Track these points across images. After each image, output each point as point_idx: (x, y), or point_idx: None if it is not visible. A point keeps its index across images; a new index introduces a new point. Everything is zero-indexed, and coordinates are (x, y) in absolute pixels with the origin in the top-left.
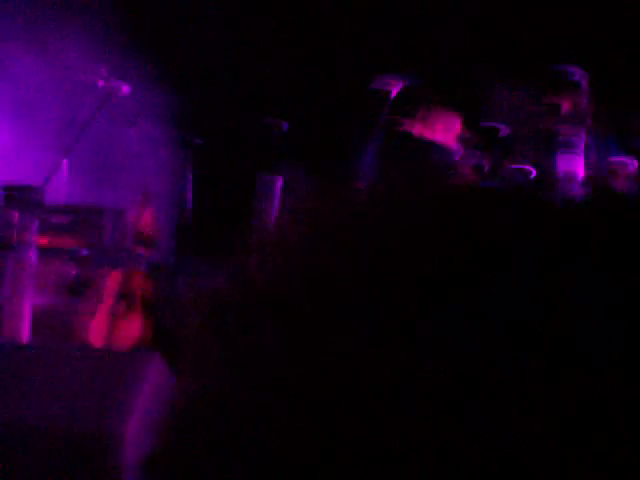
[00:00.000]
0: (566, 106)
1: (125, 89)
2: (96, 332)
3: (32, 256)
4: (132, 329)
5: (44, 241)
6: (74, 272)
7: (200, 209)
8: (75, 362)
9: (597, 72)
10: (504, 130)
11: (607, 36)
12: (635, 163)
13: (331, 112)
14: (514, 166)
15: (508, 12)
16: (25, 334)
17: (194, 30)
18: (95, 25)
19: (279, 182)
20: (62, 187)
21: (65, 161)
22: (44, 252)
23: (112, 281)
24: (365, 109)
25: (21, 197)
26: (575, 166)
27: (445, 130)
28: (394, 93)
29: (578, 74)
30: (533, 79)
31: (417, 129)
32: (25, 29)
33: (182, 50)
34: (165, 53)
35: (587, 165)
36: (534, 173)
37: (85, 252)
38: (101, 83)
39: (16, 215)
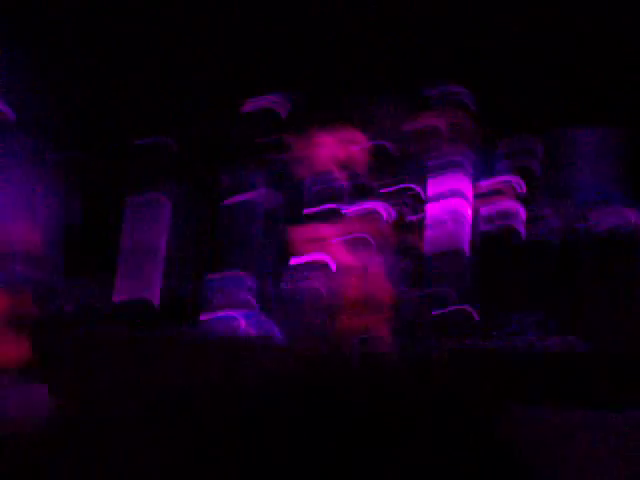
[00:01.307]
0: (448, 125)
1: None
2: None
3: None
4: (14, 349)
5: None
6: None
7: (82, 227)
8: None
9: (481, 91)
10: (391, 148)
11: (492, 57)
12: (521, 182)
13: (215, 132)
14: (400, 186)
15: (390, 30)
16: None
17: (75, 46)
18: None
19: (166, 202)
20: None
21: None
22: None
23: None
24: (249, 128)
25: None
26: (460, 185)
27: (331, 149)
28: (282, 113)
29: (462, 93)
30: (413, 97)
31: (303, 149)
32: None
33: (62, 64)
34: (44, 66)
35: (473, 184)
36: (419, 192)
37: None
38: None
39: None
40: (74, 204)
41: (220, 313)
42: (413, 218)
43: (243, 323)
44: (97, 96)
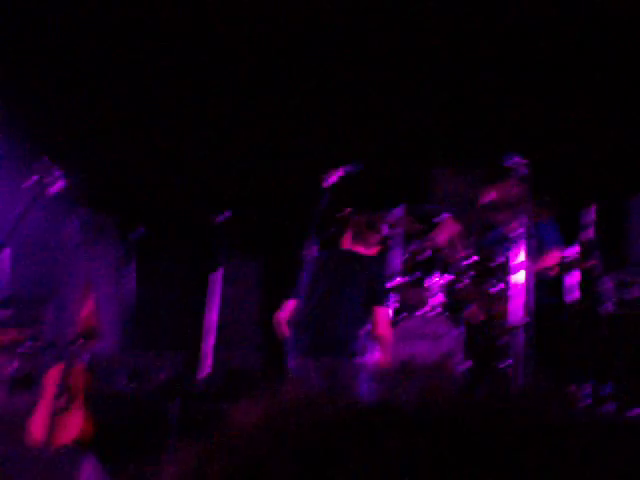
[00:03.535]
0: (505, 195)
1: (60, 183)
2: (37, 427)
3: None
4: (73, 423)
5: None
6: (15, 366)
7: (143, 301)
8: None
9: (539, 162)
10: (444, 214)
11: (549, 129)
12: (574, 250)
13: (273, 203)
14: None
15: (454, 102)
16: None
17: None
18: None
19: (220, 273)
20: (3, 280)
21: (6, 254)
22: None
23: (53, 375)
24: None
25: None
26: (516, 253)
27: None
28: (330, 182)
29: (520, 164)
30: (476, 167)
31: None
32: None
33: (127, 142)
34: (107, 143)
35: (529, 252)
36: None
37: (26, 346)
38: (35, 177)
39: None
40: (145, 281)
41: None
42: (495, 289)
43: None
44: (166, 172)
